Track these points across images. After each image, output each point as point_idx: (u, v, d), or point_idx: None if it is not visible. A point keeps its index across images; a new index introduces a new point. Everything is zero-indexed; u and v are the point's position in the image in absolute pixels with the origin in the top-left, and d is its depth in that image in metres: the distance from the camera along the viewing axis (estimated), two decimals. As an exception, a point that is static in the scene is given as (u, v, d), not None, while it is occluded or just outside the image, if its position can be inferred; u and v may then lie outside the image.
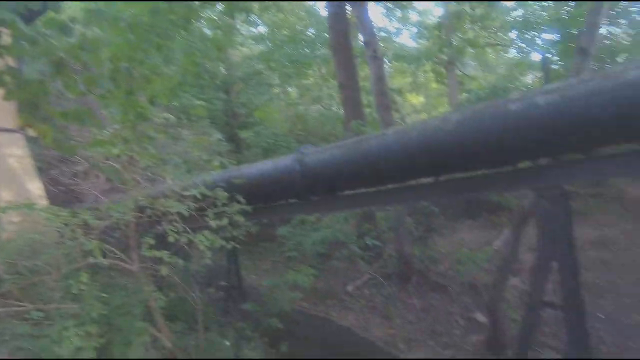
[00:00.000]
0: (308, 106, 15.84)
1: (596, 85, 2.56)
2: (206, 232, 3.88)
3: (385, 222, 8.98)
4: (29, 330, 3.46)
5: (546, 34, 10.99)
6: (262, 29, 15.41)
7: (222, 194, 4.08)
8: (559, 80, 3.48)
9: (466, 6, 13.12)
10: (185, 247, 3.92)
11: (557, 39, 10.13)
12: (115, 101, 3.03)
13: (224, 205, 4.09)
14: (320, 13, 15.14)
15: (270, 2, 13.09)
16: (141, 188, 4.01)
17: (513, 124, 2.86)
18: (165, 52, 3.33)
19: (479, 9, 13.42)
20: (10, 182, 5.19)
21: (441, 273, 8.23)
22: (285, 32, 14.53)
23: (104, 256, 3.78)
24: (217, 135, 4.68)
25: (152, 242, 3.56)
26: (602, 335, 5.98)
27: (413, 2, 14.98)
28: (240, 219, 4.15)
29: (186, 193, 3.87)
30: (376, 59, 8.21)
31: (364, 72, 12.53)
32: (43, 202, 5.20)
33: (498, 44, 15.43)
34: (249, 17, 11.27)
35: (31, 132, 3.76)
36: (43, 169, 7.11)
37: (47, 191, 6.02)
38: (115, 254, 3.86)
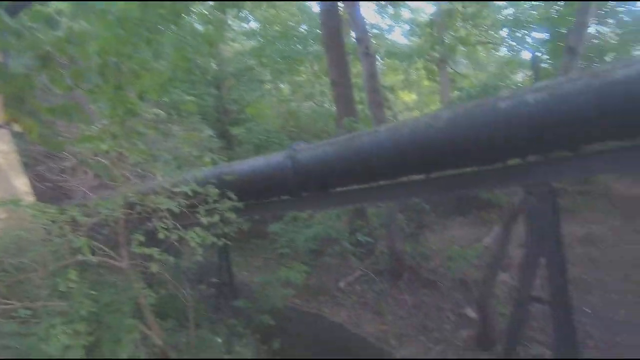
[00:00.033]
0: (300, 103, 15.79)
1: (584, 83, 2.59)
2: (197, 229, 3.86)
3: (377, 219, 9.02)
4: (16, 328, 3.41)
5: (536, 33, 11.11)
6: (253, 24, 15.31)
7: (213, 191, 4.06)
8: (548, 78, 3.52)
9: (458, 4, 13.19)
10: (176, 244, 3.89)
11: (547, 38, 10.25)
12: (104, 96, 2.98)
13: (215, 201, 4.06)
14: (313, 9, 15.09)
15: (262, -2, 13.01)
16: (131, 184, 3.96)
17: (503, 121, 2.89)
18: (155, 46, 3.29)
19: (471, 7, 13.49)
20: (-5, 178, 5.09)
21: (432, 269, 8.30)
22: (277, 28, 14.45)
23: (93, 253, 3.73)
24: (208, 132, 4.64)
25: (141, 239, 3.53)
26: (589, 330, 6.09)
27: (406, 1, 14.99)
28: (231, 215, 4.13)
29: (176, 190, 3.83)
30: (368, 55, 8.20)
31: (357, 69, 12.52)
32: (29, 198, 5.11)
33: (489, 42, 15.53)
34: (240, 13, 11.18)
35: (17, 127, 3.69)
36: (29, 165, 6.98)
37: (34, 187, 5.91)
38: (104, 251, 3.82)
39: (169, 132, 4.31)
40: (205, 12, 8.75)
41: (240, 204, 4.22)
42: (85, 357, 3.42)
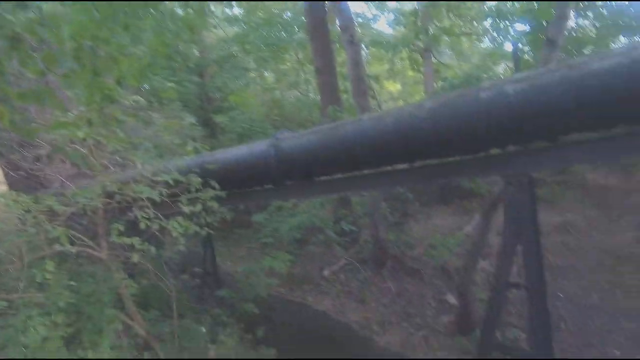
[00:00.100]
0: (285, 91, 15.62)
1: (562, 75, 2.65)
2: (179, 219, 3.81)
3: (361, 208, 9.09)
4: (-7, 320, 3.33)
5: (519, 25, 11.22)
6: (237, 10, 14.96)
7: (196, 180, 4.00)
8: (528, 70, 3.58)
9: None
10: (158, 233, 3.84)
11: (528, 30, 10.37)
12: (80, 82, 2.87)
13: (197, 191, 4.01)
14: (298, -4, 14.82)
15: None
16: (110, 173, 3.87)
17: (484, 111, 2.93)
18: (133, 31, 3.18)
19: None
20: (-35, 167, 4.89)
21: (415, 257, 8.45)
22: (260, 15, 14.16)
23: (72, 244, 3.65)
24: (190, 119, 4.55)
25: (121, 228, 3.46)
26: (563, 314, 6.34)
27: (396, 0, 14.83)
28: (214, 205, 4.09)
29: (157, 178, 3.76)
30: (353, 44, 8.15)
31: (341, 58, 12.44)
32: (2, 187, 4.94)
33: (472, 34, 15.63)
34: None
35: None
36: (2, 153, 6.72)
37: (7, 176, 5.71)
38: (83, 241, 3.73)
39: (149, 120, 4.20)
40: (186, -3, 8.47)
41: (223, 193, 4.18)
42: (64, 348, 3.37)
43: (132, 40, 3.27)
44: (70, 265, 4.09)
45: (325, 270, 8.64)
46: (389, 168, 3.83)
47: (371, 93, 12.71)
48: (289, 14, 14.56)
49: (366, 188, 5.71)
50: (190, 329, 4.98)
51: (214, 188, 4.14)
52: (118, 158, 4.16)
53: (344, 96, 10.83)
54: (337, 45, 11.64)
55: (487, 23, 13.40)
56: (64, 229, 3.27)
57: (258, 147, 4.44)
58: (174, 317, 4.75)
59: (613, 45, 10.75)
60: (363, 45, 13.94)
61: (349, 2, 8.60)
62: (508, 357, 5.01)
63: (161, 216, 3.74)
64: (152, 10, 3.71)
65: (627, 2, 10.23)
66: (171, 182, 3.78)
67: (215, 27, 13.67)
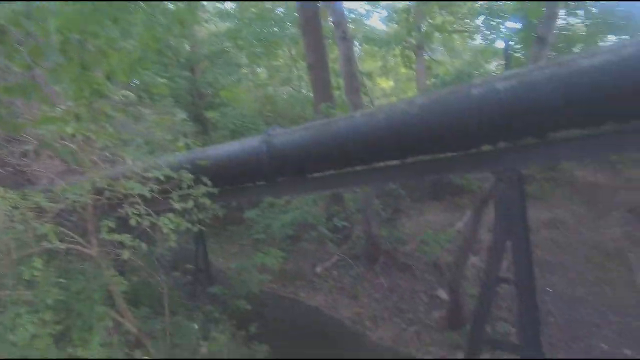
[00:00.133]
0: (277, 87, 15.55)
1: (551, 72, 2.68)
2: (171, 215, 3.78)
3: (353, 204, 9.12)
4: (-20, 318, 3.28)
5: (510, 22, 11.30)
6: (228, 5, 14.81)
7: (187, 176, 3.97)
8: (518, 67, 3.61)
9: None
10: (149, 230, 3.81)
11: (520, 27, 10.45)
12: (67, 76, 2.81)
13: (189, 187, 3.99)
14: (290, -9, 14.71)
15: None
16: (99, 169, 3.82)
17: (475, 108, 2.95)
18: (123, 25, 3.12)
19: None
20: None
21: (407, 253, 8.51)
22: (253, 10, 14.04)
23: (61, 241, 3.60)
24: (182, 115, 4.50)
25: (112, 225, 3.43)
26: (551, 309, 6.45)
27: (391, 0, 14.74)
28: (206, 201, 4.07)
29: (148, 175, 3.72)
30: (345, 40, 8.13)
31: (334, 54, 12.41)
32: (-10, 184, 4.85)
33: (465, 31, 15.69)
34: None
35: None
36: (-13, 149, 6.60)
37: (-6, 172, 5.62)
38: (73, 238, 3.69)
39: (139, 116, 4.15)
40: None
41: (214, 190, 4.16)
42: (53, 346, 3.34)
43: (121, 34, 3.22)
44: (59, 262, 4.04)
45: (317, 267, 8.65)
46: (381, 164, 3.85)
47: (364, 90, 12.71)
48: (281, 9, 14.47)
49: (358, 184, 5.72)
50: (182, 326, 4.96)
51: (205, 184, 4.11)
52: (108, 154, 4.11)
53: (337, 93, 10.82)
54: (330, 41, 11.60)
55: (479, 20, 13.47)
56: (52, 226, 3.23)
57: (250, 143, 4.42)
58: (166, 314, 4.72)
59: (602, 44, 10.87)
60: (356, 42, 13.92)
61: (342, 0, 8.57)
62: (497, 351, 5.09)
63: (152, 213, 3.71)
64: (142, 4, 3.66)
65: (615, 2, 10.34)
66: (162, 178, 3.74)
67: (206, 21, 13.52)
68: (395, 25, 15.44)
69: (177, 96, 10.47)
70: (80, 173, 4.06)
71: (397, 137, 3.37)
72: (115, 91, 3.44)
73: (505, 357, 5.44)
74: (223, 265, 9.01)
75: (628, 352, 5.59)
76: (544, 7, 5.38)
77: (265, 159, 4.08)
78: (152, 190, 3.63)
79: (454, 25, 15.05)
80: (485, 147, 3.32)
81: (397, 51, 15.02)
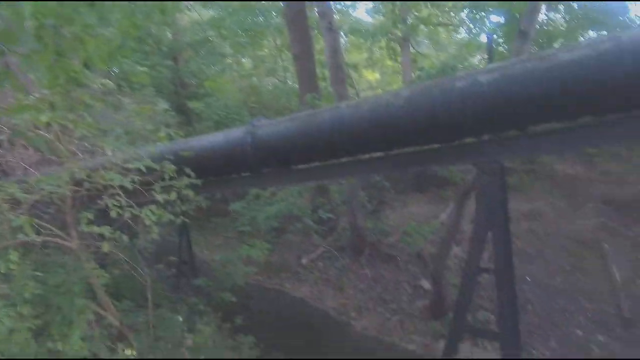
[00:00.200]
0: (262, 78, 15.37)
1: (532, 66, 2.72)
2: (153, 207, 3.71)
3: (339, 196, 9.15)
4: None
5: (494, 16, 11.41)
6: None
7: (170, 167, 3.90)
8: (502, 60, 3.65)
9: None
10: (130, 222, 3.73)
11: (503, 21, 10.57)
12: (42, 63, 2.70)
13: (171, 178, 3.92)
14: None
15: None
16: (77, 160, 3.71)
17: (459, 100, 2.98)
18: (100, 10, 3.01)
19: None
20: None
21: (392, 245, 8.62)
22: (237, -2, 13.77)
23: (38, 233, 3.50)
24: (164, 105, 4.39)
25: (91, 217, 3.34)
26: (530, 297, 6.65)
27: (384, 0, 14.61)
28: (189, 193, 4.01)
29: (129, 166, 3.64)
30: (331, 31, 8.07)
31: (320, 45, 12.32)
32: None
33: (449, 24, 15.79)
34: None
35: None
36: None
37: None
38: (50, 230, 3.59)
39: (119, 105, 4.04)
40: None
41: (198, 181, 4.10)
42: (32, 340, 3.26)
43: (99, 20, 3.11)
44: (36, 255, 3.93)
45: (303, 258, 8.69)
46: (366, 156, 3.86)
47: (349, 81, 12.70)
48: (266, -2, 14.22)
49: (343, 176, 5.74)
50: (166, 319, 4.92)
51: (189, 176, 4.05)
52: (86, 144, 3.99)
53: (323, 84, 10.78)
54: (316, 32, 11.51)
55: (464, 14, 13.57)
56: (27, 218, 3.13)
57: (234, 134, 4.37)
58: (149, 307, 4.67)
59: (582, 39, 11.10)
60: (342, 33, 13.84)
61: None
62: (478, 338, 5.23)
63: (134, 204, 3.63)
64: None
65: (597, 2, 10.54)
66: (144, 169, 3.67)
67: (189, 9, 13.20)
68: (381, 17, 15.41)
69: (159, 86, 10.24)
70: (57, 163, 3.94)
71: (382, 128, 3.38)
72: (93, 79, 3.33)
73: (485, 345, 5.62)
74: (208, 257, 8.95)
75: (601, 338, 5.82)
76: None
77: (249, 150, 4.04)
78: (133, 182, 3.55)
79: (439, 18, 15.11)
80: (469, 140, 3.36)
81: (383, 43, 15.02)
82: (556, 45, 10.96)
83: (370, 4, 15.82)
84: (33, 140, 3.34)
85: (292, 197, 8.42)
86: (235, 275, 6.96)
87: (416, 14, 14.40)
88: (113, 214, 3.48)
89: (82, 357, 3.37)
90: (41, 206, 4.06)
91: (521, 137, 3.17)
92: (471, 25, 13.07)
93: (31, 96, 3.13)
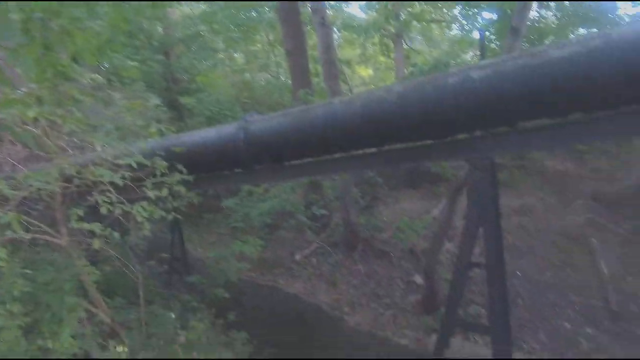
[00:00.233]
0: (255, 74, 15.27)
1: (524, 62, 2.74)
2: (144, 203, 3.67)
3: (332, 192, 9.17)
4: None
5: (486, 13, 11.47)
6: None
7: (161, 163, 3.86)
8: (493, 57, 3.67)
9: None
10: (121, 219, 3.69)
11: (495, 18, 10.62)
12: (30, 56, 2.66)
13: (163, 174, 3.88)
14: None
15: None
16: (67, 156, 3.65)
17: (451, 96, 2.99)
18: (89, 4, 2.97)
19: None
20: None
21: (385, 240, 8.66)
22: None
23: (27, 230, 3.45)
24: (155, 101, 4.34)
25: (81, 213, 3.30)
26: (520, 291, 6.74)
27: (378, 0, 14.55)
28: (181, 189, 3.97)
29: (120, 162, 3.60)
30: (324, 26, 8.03)
31: (313, 41, 12.27)
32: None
33: (442, 20, 15.82)
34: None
35: None
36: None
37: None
38: (39, 227, 3.54)
39: (109, 100, 3.98)
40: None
41: (190, 177, 4.07)
42: (23, 338, 3.23)
43: (87, 13, 3.06)
44: (26, 252, 3.88)
45: (296, 255, 8.70)
46: (359, 152, 3.86)
47: (342, 77, 12.67)
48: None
49: (336, 171, 5.75)
50: (158, 315, 4.89)
51: (180, 172, 4.02)
52: (76, 140, 3.93)
53: (316, 80, 10.74)
54: (309, 27, 11.45)
55: (457, 10, 13.61)
56: (15, 215, 3.08)
57: (226, 129, 4.34)
58: (141, 304, 4.64)
59: (572, 36, 11.21)
60: (335, 29, 13.79)
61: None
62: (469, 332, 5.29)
63: (125, 201, 3.59)
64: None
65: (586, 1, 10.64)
66: (134, 165, 3.63)
67: (179, 3, 13.02)
68: (374, 13, 15.39)
69: (150, 81, 10.12)
70: (45, 160, 3.88)
71: (375, 124, 3.38)
72: (82, 74, 3.27)
73: (477, 339, 5.69)
74: (201, 254, 8.92)
75: (589, 331, 5.93)
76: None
77: (242, 146, 4.02)
78: (124, 178, 3.51)
79: (432, 15, 15.14)
80: (461, 136, 3.38)
81: (376, 39, 15.01)
82: (547, 42, 11.04)
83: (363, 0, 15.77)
84: (20, 135, 3.28)
85: (285, 193, 8.42)
86: (228, 272, 6.95)
87: (409, 9, 14.41)
88: (103, 210, 3.44)
89: (72, 354, 3.34)
90: (30, 203, 3.99)
91: (512, 133, 3.19)
92: (464, 22, 13.13)
93: (18, 90, 3.08)
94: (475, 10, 11.20)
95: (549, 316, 6.25)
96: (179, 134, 5.16)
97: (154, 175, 3.85)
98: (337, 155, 3.93)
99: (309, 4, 8.88)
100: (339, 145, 3.74)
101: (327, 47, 8.07)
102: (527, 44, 10.05)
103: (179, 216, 4.29)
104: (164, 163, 3.88)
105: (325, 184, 9.29)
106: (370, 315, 6.93)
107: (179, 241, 6.69)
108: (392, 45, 14.89)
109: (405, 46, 15.06)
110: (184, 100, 10.27)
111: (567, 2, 11.23)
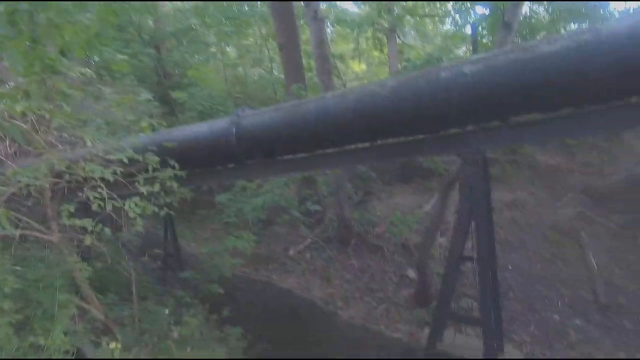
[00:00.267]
0: (248, 68, 15.15)
1: (515, 57, 2.75)
2: (136, 199, 3.65)
3: (325, 187, 9.16)
4: None
5: (479, 8, 11.48)
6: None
7: (153, 158, 3.83)
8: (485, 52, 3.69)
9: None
10: (113, 215, 3.66)
11: (488, 13, 10.64)
12: (16, 49, 2.60)
13: (155, 170, 3.85)
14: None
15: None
16: (57, 151, 3.61)
17: (443, 91, 3.00)
18: (75, -2, 2.91)
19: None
20: None
21: (378, 235, 8.70)
22: (222, -14, 13.46)
23: (17, 227, 3.40)
24: (146, 95, 4.28)
25: (72, 209, 3.26)
26: (511, 283, 6.83)
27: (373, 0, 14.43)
28: (173, 184, 3.95)
29: (111, 157, 3.56)
30: (317, 20, 7.98)
31: (306, 35, 12.20)
32: None
33: (435, 15, 15.81)
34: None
35: None
36: None
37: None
38: (29, 224, 3.49)
39: (99, 94, 3.92)
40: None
41: (182, 173, 4.04)
42: (14, 336, 3.20)
43: (76, 6, 3.01)
44: (16, 249, 3.83)
45: (290, 250, 8.70)
46: (351, 146, 3.86)
47: (336, 72, 12.63)
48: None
49: (329, 166, 5.75)
50: (152, 311, 4.88)
51: (172, 167, 3.99)
52: (65, 135, 3.88)
53: (309, 74, 10.69)
54: (302, 21, 11.37)
55: (450, 5, 13.60)
56: (3, 211, 3.03)
57: (218, 124, 4.31)
58: (134, 300, 4.62)
59: (564, 31, 11.28)
60: (328, 23, 13.71)
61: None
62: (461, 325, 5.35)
63: (116, 197, 3.56)
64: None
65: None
66: (126, 160, 3.59)
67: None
68: (368, 8, 15.32)
69: (141, 75, 9.98)
70: (35, 155, 3.83)
71: (368, 119, 3.38)
72: (71, 67, 3.22)
73: (469, 331, 5.76)
74: (195, 249, 8.88)
75: (578, 323, 6.04)
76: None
77: (234, 141, 4.00)
78: (115, 173, 3.48)
79: (426, 9, 15.12)
80: (453, 130, 3.39)
81: (369, 34, 14.96)
82: (539, 37, 11.11)
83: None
84: (8, 130, 3.23)
85: (279, 188, 8.40)
86: (222, 267, 6.94)
87: (403, 3, 14.37)
88: (94, 206, 3.41)
89: (64, 351, 3.32)
90: (19, 199, 3.94)
91: (504, 128, 3.22)
92: (457, 17, 13.13)
93: (6, 84, 3.02)
94: (468, 5, 11.21)
95: (539, 308, 6.35)
96: (171, 128, 5.12)
97: (146, 171, 3.82)
98: (329, 150, 3.93)
99: (302, -2, 8.80)
100: (332, 140, 3.73)
101: (320, 41, 8.02)
102: (519, 39, 10.11)
103: (171, 212, 4.27)
104: (156, 158, 3.85)
105: (319, 180, 9.29)
106: (364, 309, 6.97)
107: (172, 237, 6.67)
108: (385, 40, 14.85)
109: (398, 41, 15.04)
110: (176, 94, 10.15)
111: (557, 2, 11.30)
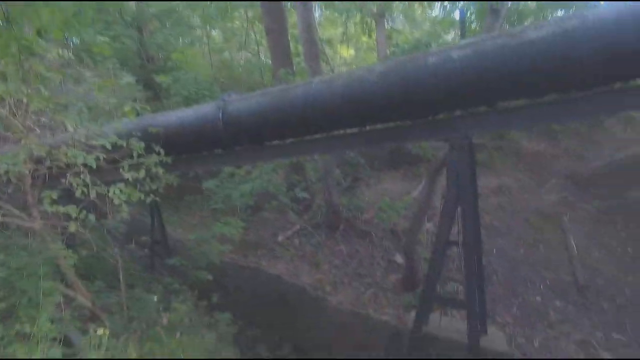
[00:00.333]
0: (234, 52, 14.85)
1: (503, 42, 2.75)
2: (121, 185, 3.58)
3: (314, 174, 9.15)
4: None
5: (468, -7, 11.43)
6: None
7: (138, 144, 3.75)
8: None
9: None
10: (98, 202, 3.60)
11: (477, -2, 10.61)
12: (-10, 30, 2.48)
13: (140, 156, 3.77)
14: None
15: None
16: (35, 136, 3.50)
17: (431, 76, 2.99)
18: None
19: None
20: None
21: (366, 221, 8.77)
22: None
23: (-4, 215, 3.32)
24: (128, 79, 4.16)
25: (54, 196, 3.19)
26: (495, 268, 7.00)
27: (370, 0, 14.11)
28: (159, 170, 3.89)
29: (93, 142, 3.47)
30: (305, 4, 7.84)
31: (293, 19, 11.97)
32: None
33: (424, 0, 15.67)
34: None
35: None
36: None
37: None
38: (10, 211, 3.41)
39: (79, 77, 3.79)
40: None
41: (167, 159, 3.98)
42: (0, 323, 3.16)
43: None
44: (-3, 237, 3.75)
45: (279, 236, 8.71)
46: (339, 132, 3.84)
47: (324, 57, 12.47)
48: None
49: (316, 152, 5.72)
50: (140, 298, 4.86)
51: (158, 153, 3.92)
52: (44, 120, 3.76)
53: (296, 59, 10.54)
54: (289, 5, 11.14)
55: (439, -11, 13.49)
56: (-19, 198, 2.95)
57: (204, 109, 4.23)
58: (122, 288, 4.59)
59: (551, 17, 11.32)
60: (316, 7, 13.49)
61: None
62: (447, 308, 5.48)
63: (101, 183, 3.49)
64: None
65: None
66: (109, 146, 3.51)
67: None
68: (357, -9, 15.06)
69: (124, 58, 9.68)
70: (13, 141, 3.71)
71: (356, 104, 3.36)
72: (49, 49, 3.10)
73: (454, 314, 5.90)
74: (182, 236, 8.82)
75: (558, 304, 6.25)
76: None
77: (220, 126, 3.94)
78: (98, 159, 3.40)
79: (415, -6, 14.97)
80: (441, 116, 3.40)
81: (358, 18, 14.77)
82: (526, 23, 11.13)
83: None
84: (-17, 114, 3.11)
85: (267, 174, 8.35)
86: (210, 254, 6.91)
87: (392, -12, 14.19)
88: (78, 193, 3.33)
89: (52, 338, 3.29)
90: (-1, 186, 3.84)
91: (491, 113, 3.24)
92: (445, 2, 13.05)
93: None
94: (457, -10, 11.12)
95: (521, 291, 6.54)
96: (155, 113, 5.01)
97: (131, 157, 3.75)
98: (317, 136, 3.90)
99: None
100: (320, 126, 3.71)
101: (308, 25, 7.89)
102: (507, 25, 10.11)
103: (157, 199, 4.21)
104: (141, 144, 3.77)
105: (307, 166, 9.26)
106: (352, 294, 7.07)
107: (158, 224, 6.60)
108: (374, 25, 14.70)
109: (387, 26, 14.90)
110: (160, 78, 9.89)
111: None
